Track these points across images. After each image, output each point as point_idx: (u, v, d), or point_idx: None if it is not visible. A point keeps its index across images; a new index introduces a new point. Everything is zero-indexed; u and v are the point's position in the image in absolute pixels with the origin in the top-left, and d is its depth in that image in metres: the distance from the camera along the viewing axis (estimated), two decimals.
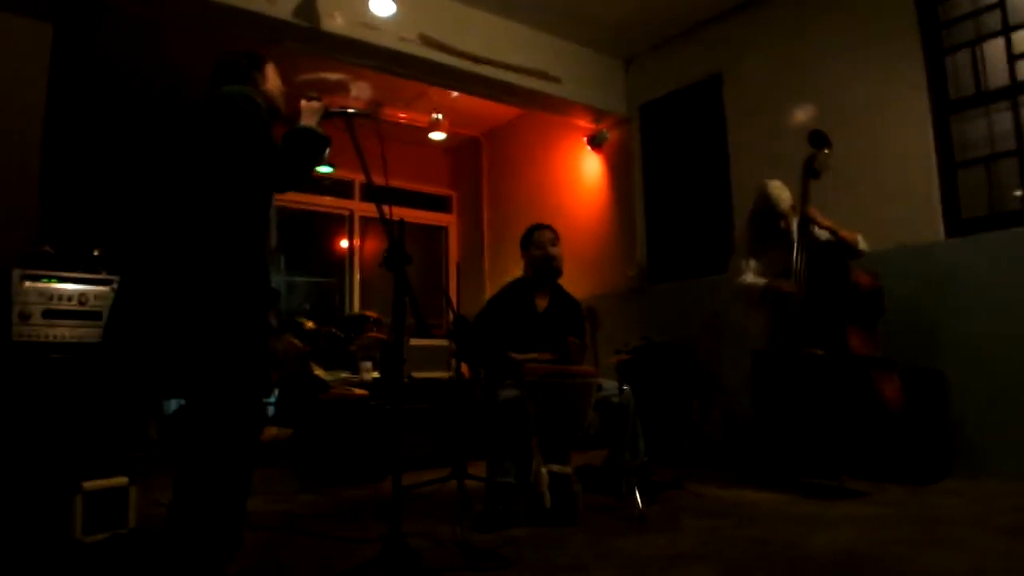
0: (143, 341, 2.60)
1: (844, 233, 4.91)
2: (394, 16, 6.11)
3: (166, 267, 2.65)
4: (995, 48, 5.31)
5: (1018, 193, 5.19)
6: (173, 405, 7.16)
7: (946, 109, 5.47)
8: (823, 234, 4.99)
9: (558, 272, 4.99)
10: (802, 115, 6.11)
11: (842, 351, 4.69)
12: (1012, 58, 5.19)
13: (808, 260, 4.86)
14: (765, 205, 5.24)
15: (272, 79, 3.16)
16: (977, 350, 5.05)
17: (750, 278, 5.21)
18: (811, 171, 4.93)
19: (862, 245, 4.93)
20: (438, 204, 10.85)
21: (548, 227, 5.05)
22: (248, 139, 2.75)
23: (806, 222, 4.91)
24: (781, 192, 5.20)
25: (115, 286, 4.45)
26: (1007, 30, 5.23)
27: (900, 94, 5.65)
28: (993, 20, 5.32)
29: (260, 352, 2.83)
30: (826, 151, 4.93)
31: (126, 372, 2.79)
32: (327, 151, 2.99)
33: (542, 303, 4.95)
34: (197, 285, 2.63)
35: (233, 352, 2.69)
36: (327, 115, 3.16)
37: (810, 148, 4.97)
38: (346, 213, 9.95)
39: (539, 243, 4.96)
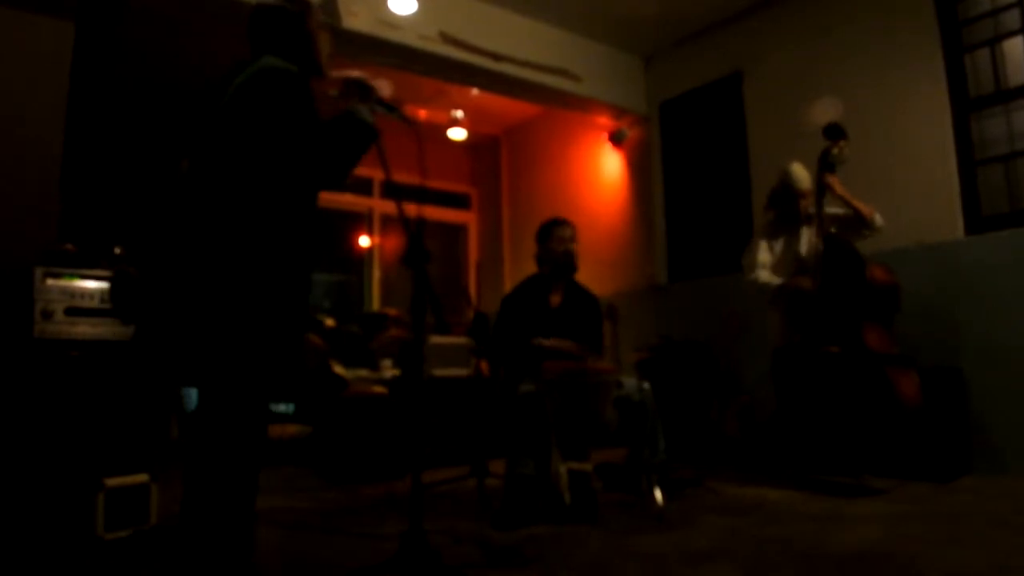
0: (166, 332, 2.53)
1: (858, 203, 4.88)
2: (414, 14, 6.13)
3: (193, 262, 2.50)
4: (1014, 47, 5.31)
5: None
6: (194, 404, 7.19)
7: (966, 107, 5.46)
8: (836, 209, 4.97)
9: (575, 268, 4.98)
10: (823, 111, 6.08)
11: (859, 348, 4.67)
12: None
13: (824, 251, 4.83)
14: (784, 184, 5.23)
15: (319, 38, 2.89)
16: (996, 348, 5.04)
17: (764, 275, 5.19)
18: (826, 164, 4.87)
19: (878, 222, 4.90)
20: (458, 202, 10.87)
21: (568, 222, 5.02)
22: (292, 130, 2.50)
23: (821, 201, 4.87)
24: (801, 172, 5.17)
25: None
26: None
27: (920, 92, 5.63)
28: (1012, 19, 5.32)
29: (283, 349, 2.63)
30: (842, 143, 4.87)
31: (151, 362, 2.73)
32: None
33: (556, 299, 4.94)
34: (218, 277, 2.49)
35: (247, 346, 2.51)
36: (376, 102, 2.89)
37: (826, 141, 4.92)
38: (366, 210, 9.97)
39: (560, 239, 4.94)
